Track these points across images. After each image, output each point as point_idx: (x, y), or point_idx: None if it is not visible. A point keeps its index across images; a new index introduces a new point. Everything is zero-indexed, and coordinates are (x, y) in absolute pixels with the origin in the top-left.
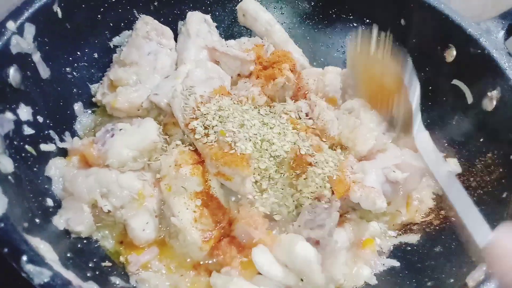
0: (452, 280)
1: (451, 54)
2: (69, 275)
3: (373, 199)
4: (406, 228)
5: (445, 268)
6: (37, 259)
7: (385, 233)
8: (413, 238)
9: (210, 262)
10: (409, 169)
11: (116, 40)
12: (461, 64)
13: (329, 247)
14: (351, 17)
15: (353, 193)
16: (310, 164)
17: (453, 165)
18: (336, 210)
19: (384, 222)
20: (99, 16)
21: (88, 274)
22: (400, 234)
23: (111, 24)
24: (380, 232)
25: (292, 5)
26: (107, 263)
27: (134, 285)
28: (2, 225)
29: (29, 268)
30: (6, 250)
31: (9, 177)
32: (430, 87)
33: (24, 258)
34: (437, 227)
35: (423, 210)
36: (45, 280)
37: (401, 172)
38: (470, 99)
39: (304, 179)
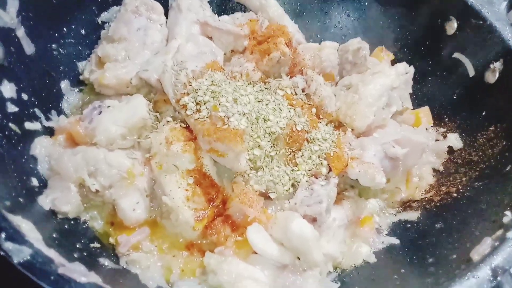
0: (454, 256)
1: (452, 26)
2: (51, 253)
3: (372, 174)
4: (405, 205)
5: (447, 244)
6: (17, 237)
7: (384, 210)
8: (413, 215)
9: (203, 242)
10: (409, 144)
11: (104, 16)
12: (462, 36)
13: (326, 225)
14: None
15: (352, 169)
16: (306, 140)
17: (454, 140)
18: (334, 186)
19: (383, 199)
20: None
21: (75, 255)
22: (400, 212)
23: None
24: (379, 209)
25: None
26: (96, 244)
27: (124, 266)
28: None
29: (8, 246)
30: None
31: None
32: (431, 62)
33: (3, 235)
34: (438, 204)
35: (423, 187)
36: (25, 259)
37: (401, 147)
38: (471, 72)
39: (301, 156)
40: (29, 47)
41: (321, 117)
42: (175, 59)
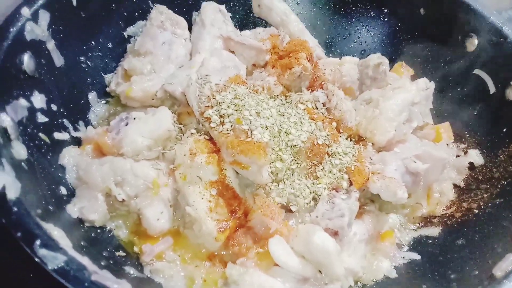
0: (476, 272)
1: (472, 43)
2: (84, 260)
3: (393, 189)
4: (426, 220)
5: (469, 261)
6: (51, 244)
7: (405, 225)
8: (434, 231)
9: (225, 253)
10: (430, 160)
11: (130, 30)
12: (483, 53)
13: (348, 239)
14: (369, 7)
15: (373, 184)
16: (327, 154)
17: (475, 156)
18: (355, 200)
19: (404, 214)
20: (113, 5)
21: (102, 263)
22: (420, 227)
23: (126, 14)
24: (400, 224)
25: None
26: (121, 253)
27: (148, 275)
28: (16, 209)
29: (43, 252)
30: (19, 234)
31: (23, 163)
32: (451, 78)
33: (38, 242)
34: (459, 220)
35: (444, 203)
36: (60, 265)
37: (422, 163)
38: (492, 88)
39: (321, 169)
40: (58, 60)
41: (341, 131)
42: (199, 72)
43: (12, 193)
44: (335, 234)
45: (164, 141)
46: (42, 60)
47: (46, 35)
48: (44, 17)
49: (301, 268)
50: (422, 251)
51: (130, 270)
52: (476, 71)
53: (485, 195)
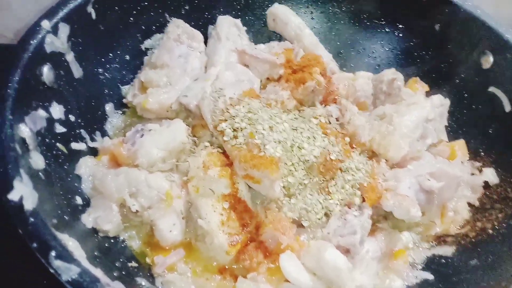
0: None
1: (488, 60)
2: (98, 272)
3: (407, 207)
4: (440, 239)
5: (482, 282)
6: (66, 255)
7: (418, 244)
8: (447, 251)
9: (236, 266)
10: (445, 178)
11: (147, 43)
12: (498, 71)
13: (360, 256)
14: (383, 22)
15: (386, 201)
16: (340, 169)
17: (490, 175)
18: (368, 217)
19: (417, 232)
20: (131, 18)
21: (115, 274)
22: (434, 246)
23: (143, 27)
24: (413, 243)
25: (322, 9)
26: (133, 264)
27: (160, 287)
28: (32, 219)
29: (58, 264)
30: (35, 245)
31: (40, 173)
32: (466, 95)
33: (53, 253)
34: (473, 240)
35: (458, 222)
36: (73, 277)
37: (436, 181)
38: (508, 107)
39: (334, 185)
40: (77, 71)
41: (354, 146)
42: (214, 86)
43: (29, 204)
44: (346, 251)
45: (178, 153)
46: (61, 71)
47: (66, 47)
48: (64, 29)
49: (312, 285)
50: (435, 270)
51: (142, 282)
52: (492, 89)
53: (499, 215)
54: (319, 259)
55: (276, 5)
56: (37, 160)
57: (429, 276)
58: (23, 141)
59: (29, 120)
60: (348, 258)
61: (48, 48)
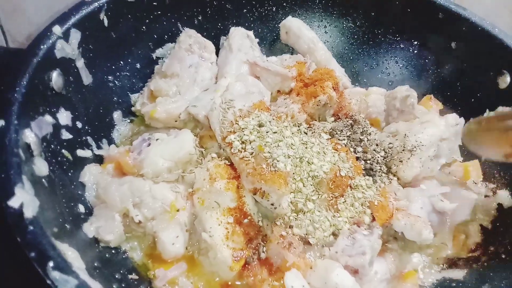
0: None
1: (504, 80)
2: (96, 285)
3: (419, 229)
4: (451, 262)
5: None
6: (64, 266)
7: (429, 266)
8: (458, 274)
9: (239, 283)
10: (458, 199)
11: (159, 52)
12: None
13: (368, 278)
14: (398, 38)
15: (397, 221)
16: (349, 186)
17: (504, 197)
18: (378, 237)
19: (428, 254)
20: (144, 27)
21: (114, 286)
22: (445, 269)
23: (155, 36)
24: (423, 265)
25: (336, 24)
26: (134, 276)
27: None
28: (31, 228)
29: (55, 275)
30: (33, 254)
31: (43, 180)
32: (481, 114)
33: (51, 264)
34: (485, 263)
35: (470, 245)
36: None
37: (449, 202)
38: None
39: (343, 202)
40: (87, 78)
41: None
42: (223, 97)
43: (30, 212)
44: (355, 272)
45: (185, 164)
46: (71, 77)
47: (76, 54)
48: (75, 36)
49: None
50: None
51: None
52: (508, 110)
53: None
54: (326, 279)
55: (289, 18)
56: (41, 167)
57: None
58: (27, 147)
59: (35, 126)
60: (356, 279)
61: (58, 54)
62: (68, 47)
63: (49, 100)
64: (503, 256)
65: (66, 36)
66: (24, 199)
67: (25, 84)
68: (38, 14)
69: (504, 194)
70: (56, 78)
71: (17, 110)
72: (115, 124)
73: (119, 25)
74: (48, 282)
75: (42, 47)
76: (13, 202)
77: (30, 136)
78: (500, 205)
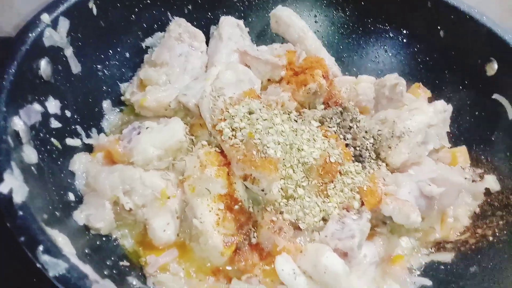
0: None
1: (492, 67)
2: (87, 269)
3: (406, 212)
4: (439, 246)
5: None
6: (54, 250)
7: (417, 250)
8: (446, 257)
9: (230, 268)
10: (446, 184)
11: (148, 41)
12: (502, 78)
13: (357, 261)
14: (387, 27)
15: (385, 205)
16: (339, 172)
17: (492, 182)
18: (366, 221)
19: (416, 238)
20: (133, 16)
21: (105, 272)
22: (433, 252)
23: (145, 25)
24: (412, 248)
25: (326, 13)
26: (125, 263)
27: (152, 287)
28: (21, 213)
29: (45, 259)
30: (22, 238)
31: (32, 167)
32: (469, 101)
33: (41, 248)
34: (473, 246)
35: (458, 228)
36: (61, 272)
37: (437, 186)
38: (511, 114)
39: (333, 188)
40: (75, 67)
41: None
42: (214, 85)
43: (19, 197)
44: (344, 255)
45: (175, 151)
46: (59, 66)
47: (65, 42)
48: (64, 24)
49: None
50: (434, 276)
51: (133, 281)
52: (495, 96)
53: (500, 222)
54: (316, 262)
55: (280, 7)
56: (30, 154)
57: (428, 282)
58: (16, 134)
59: (24, 114)
60: (346, 262)
61: (47, 42)
62: (57, 35)
63: (37, 89)
64: (491, 239)
65: (54, 24)
66: (13, 184)
67: (13, 72)
68: (26, 6)
69: (492, 178)
70: (44, 66)
71: (5, 97)
72: (105, 114)
73: (108, 13)
74: (38, 265)
75: (30, 35)
76: (2, 188)
77: (18, 123)
78: (487, 189)
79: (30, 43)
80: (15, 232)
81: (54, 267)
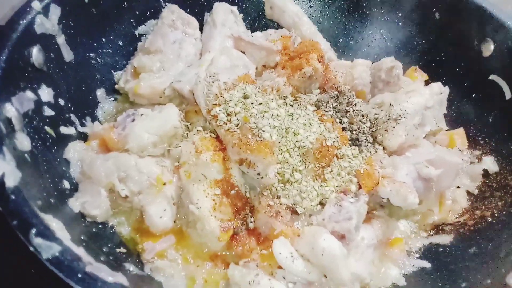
0: (489, 281)
1: (488, 48)
2: (80, 251)
3: (404, 194)
4: (437, 228)
5: (481, 269)
6: (47, 233)
7: (415, 232)
8: (445, 239)
9: (228, 253)
10: (443, 165)
11: (141, 29)
12: (499, 58)
13: (355, 243)
14: (383, 10)
15: (383, 188)
16: (336, 156)
17: (490, 163)
18: (363, 203)
19: (415, 221)
20: (125, 3)
21: (102, 259)
22: (431, 235)
23: (137, 12)
24: (410, 231)
25: None
26: (122, 250)
27: (149, 273)
28: (13, 197)
29: (38, 241)
30: (15, 222)
31: (26, 155)
32: (466, 83)
33: (33, 231)
34: (472, 228)
35: (456, 210)
36: (54, 255)
37: (435, 168)
38: (508, 94)
39: (330, 172)
40: (68, 55)
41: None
42: (208, 71)
43: (11, 181)
44: (341, 237)
45: (170, 138)
46: (51, 54)
47: (56, 30)
48: (55, 11)
49: (305, 271)
50: (433, 259)
51: (130, 267)
52: (492, 77)
53: (499, 203)
54: (313, 245)
55: None
56: (23, 141)
57: (426, 265)
58: (8, 121)
59: (16, 101)
60: (343, 245)
61: (38, 29)
62: (48, 23)
63: (30, 76)
64: (490, 220)
65: (45, 11)
66: (5, 169)
67: (5, 58)
68: None
69: (489, 160)
70: (36, 54)
71: None
72: (99, 102)
73: (100, 1)
74: (31, 249)
75: (21, 22)
76: None
77: (11, 110)
78: (485, 170)
79: (21, 30)
80: (7, 216)
81: (47, 250)
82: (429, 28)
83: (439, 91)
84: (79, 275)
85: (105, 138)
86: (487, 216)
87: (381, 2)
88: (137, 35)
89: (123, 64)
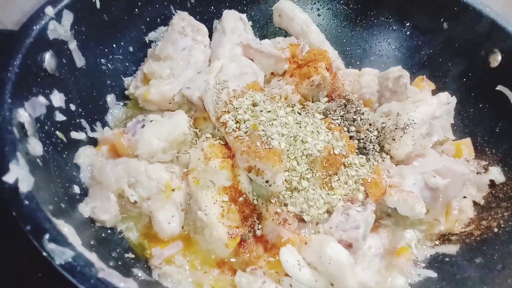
0: None
1: (496, 59)
2: (92, 257)
3: (411, 204)
4: (444, 238)
5: (487, 280)
6: (60, 239)
7: (422, 242)
8: (451, 249)
9: (235, 260)
10: (451, 175)
11: (151, 35)
12: (506, 69)
13: (362, 252)
14: (390, 20)
15: (390, 197)
16: (343, 165)
17: (496, 173)
18: (371, 212)
19: (421, 230)
20: (136, 10)
21: (111, 264)
22: (438, 244)
23: (148, 19)
24: (417, 241)
25: (330, 6)
26: (130, 255)
27: (156, 279)
28: (27, 202)
29: (51, 247)
30: (28, 227)
31: (38, 160)
32: (473, 93)
33: (47, 236)
34: (478, 238)
35: (463, 220)
36: (67, 260)
37: (442, 178)
38: None
39: (337, 180)
40: (79, 60)
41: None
42: (217, 78)
43: (25, 187)
44: (349, 246)
45: (179, 144)
46: (64, 59)
47: (69, 35)
48: (68, 17)
49: (312, 280)
50: (439, 268)
51: (138, 273)
52: (499, 87)
53: (505, 214)
54: (320, 253)
55: (282, 0)
56: (35, 146)
57: (433, 274)
58: (21, 126)
59: (29, 106)
60: (350, 253)
61: (51, 35)
62: (61, 28)
63: (42, 81)
64: (496, 230)
65: (58, 17)
66: (19, 175)
67: (18, 64)
68: (29, 2)
69: (496, 170)
70: (49, 59)
71: (11, 89)
72: (109, 108)
73: (111, 7)
74: (45, 254)
75: (34, 27)
76: (8, 178)
77: (24, 115)
78: (492, 181)
79: (35, 35)
80: (20, 222)
81: (60, 256)
82: (437, 38)
83: (447, 101)
84: (92, 281)
85: (115, 143)
86: (493, 227)
87: (388, 12)
88: (147, 41)
89: (133, 70)
